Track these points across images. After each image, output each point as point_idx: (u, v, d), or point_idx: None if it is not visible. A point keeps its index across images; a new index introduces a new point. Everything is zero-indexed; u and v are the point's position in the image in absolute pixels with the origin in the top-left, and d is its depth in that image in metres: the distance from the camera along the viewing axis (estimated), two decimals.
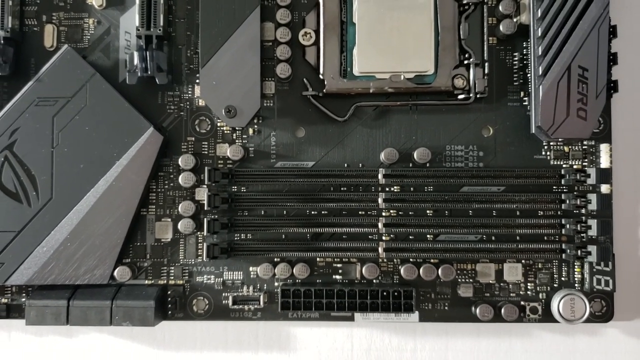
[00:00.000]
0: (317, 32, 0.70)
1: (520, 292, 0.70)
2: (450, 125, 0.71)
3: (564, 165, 0.70)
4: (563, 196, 0.69)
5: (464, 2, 0.70)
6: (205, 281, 0.71)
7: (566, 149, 0.70)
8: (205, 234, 0.68)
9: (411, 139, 0.71)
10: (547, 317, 0.70)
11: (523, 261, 0.70)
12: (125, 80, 0.69)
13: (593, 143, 0.70)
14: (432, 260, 0.70)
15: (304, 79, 0.71)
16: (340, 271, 0.71)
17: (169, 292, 0.70)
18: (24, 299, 0.70)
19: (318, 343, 0.72)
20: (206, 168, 0.68)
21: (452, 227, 0.69)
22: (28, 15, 0.72)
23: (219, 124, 0.71)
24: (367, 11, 0.69)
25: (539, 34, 0.66)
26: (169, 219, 0.71)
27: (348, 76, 0.70)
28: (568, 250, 0.68)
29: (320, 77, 0.70)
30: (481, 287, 0.70)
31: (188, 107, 0.72)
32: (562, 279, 0.70)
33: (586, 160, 0.70)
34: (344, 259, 0.71)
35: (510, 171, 0.69)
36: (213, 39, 0.69)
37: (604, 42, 0.66)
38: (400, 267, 0.70)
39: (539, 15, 0.66)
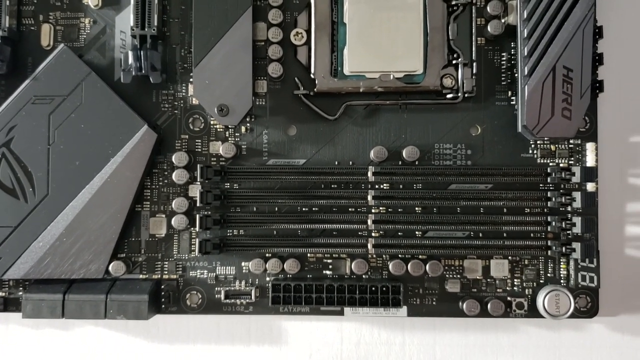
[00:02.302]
0: (308, 32, 0.72)
1: (507, 288, 0.72)
2: (439, 124, 0.72)
3: (550, 164, 0.71)
4: (549, 194, 0.70)
5: (453, 2, 0.71)
6: (198, 276, 0.72)
7: (552, 147, 0.72)
8: (198, 230, 0.70)
9: (400, 137, 0.72)
10: (533, 312, 0.71)
11: (510, 257, 0.72)
12: (120, 79, 0.71)
13: (579, 142, 0.72)
14: (420, 256, 0.71)
15: (296, 78, 0.72)
16: (330, 266, 0.72)
17: (162, 287, 0.72)
18: (20, 293, 0.72)
19: (308, 337, 0.74)
20: (199, 165, 0.69)
21: (440, 224, 0.71)
22: (25, 15, 0.73)
23: (212, 122, 0.73)
24: (357, 12, 0.70)
25: (525, 35, 0.68)
26: (163, 215, 0.72)
27: (339, 75, 0.71)
28: (554, 247, 0.70)
29: (312, 76, 0.71)
30: (468, 282, 0.72)
31: (182, 105, 0.73)
32: (548, 275, 0.71)
33: (572, 158, 0.72)
34: (334, 255, 0.72)
35: (498, 169, 0.70)
36: (206, 39, 0.70)
37: (589, 43, 0.67)
38: (388, 263, 0.71)
39: (525, 16, 0.67)
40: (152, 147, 0.71)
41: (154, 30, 0.70)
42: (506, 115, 0.72)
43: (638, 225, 0.73)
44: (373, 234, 0.71)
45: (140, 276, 0.72)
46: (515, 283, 0.72)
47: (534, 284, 0.71)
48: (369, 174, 0.70)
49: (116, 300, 0.69)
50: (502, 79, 0.72)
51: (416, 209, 0.72)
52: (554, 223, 0.70)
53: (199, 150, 0.73)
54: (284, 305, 0.70)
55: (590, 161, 0.71)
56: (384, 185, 0.71)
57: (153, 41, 0.71)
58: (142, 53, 0.70)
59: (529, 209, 0.71)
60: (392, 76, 0.70)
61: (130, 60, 0.70)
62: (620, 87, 0.73)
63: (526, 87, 0.67)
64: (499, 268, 0.72)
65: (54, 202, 0.70)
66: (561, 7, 0.67)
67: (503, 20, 0.71)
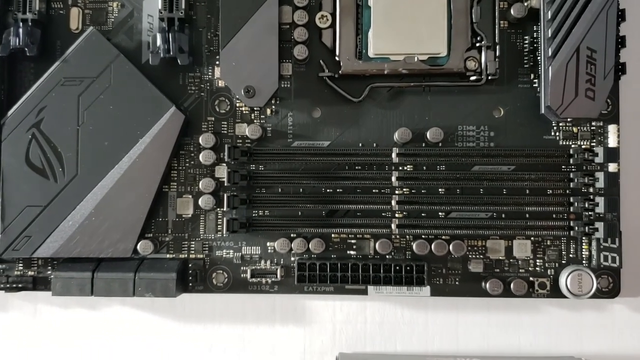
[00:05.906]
0: (333, 15, 0.73)
1: (529, 268, 0.72)
2: (462, 106, 0.73)
3: (572, 145, 0.72)
4: (571, 175, 0.71)
5: None
6: (224, 255, 0.73)
7: (575, 129, 0.72)
8: (224, 209, 0.71)
9: (424, 119, 0.73)
10: (555, 292, 0.72)
11: (532, 238, 0.72)
12: (148, 62, 0.72)
13: (601, 124, 0.72)
14: (443, 237, 0.72)
15: (320, 61, 0.73)
16: (354, 247, 0.73)
17: (189, 266, 0.73)
18: (49, 272, 0.73)
19: (332, 316, 0.75)
20: (226, 145, 0.70)
21: (463, 205, 0.71)
22: None
23: (237, 105, 0.74)
24: None
25: (549, 17, 0.68)
26: (190, 196, 0.73)
27: (363, 58, 0.72)
28: (576, 228, 0.70)
29: (336, 58, 0.72)
30: (491, 262, 0.72)
31: (208, 88, 0.74)
32: (570, 255, 0.72)
33: (594, 140, 0.72)
34: (358, 235, 0.73)
35: (520, 151, 0.71)
36: (232, 22, 0.71)
37: (612, 24, 0.68)
38: (412, 243, 0.72)
39: None
40: (180, 128, 0.72)
41: (181, 13, 0.72)
42: (528, 97, 0.73)
43: None
44: (397, 215, 0.72)
45: (168, 256, 0.73)
46: (537, 263, 0.72)
47: (556, 264, 0.72)
48: (393, 155, 0.71)
49: (144, 278, 0.70)
50: (525, 61, 0.73)
51: (440, 190, 0.72)
52: (576, 204, 0.71)
53: (225, 132, 0.74)
54: (309, 283, 0.71)
55: (612, 143, 0.72)
56: (408, 166, 0.72)
57: (180, 24, 0.72)
58: (169, 35, 0.71)
59: (551, 190, 0.72)
60: (416, 58, 0.71)
61: (159, 42, 0.71)
62: None
63: (550, 68, 0.68)
64: (522, 248, 0.72)
65: (83, 182, 0.71)
66: None
67: (526, 3, 0.72)
